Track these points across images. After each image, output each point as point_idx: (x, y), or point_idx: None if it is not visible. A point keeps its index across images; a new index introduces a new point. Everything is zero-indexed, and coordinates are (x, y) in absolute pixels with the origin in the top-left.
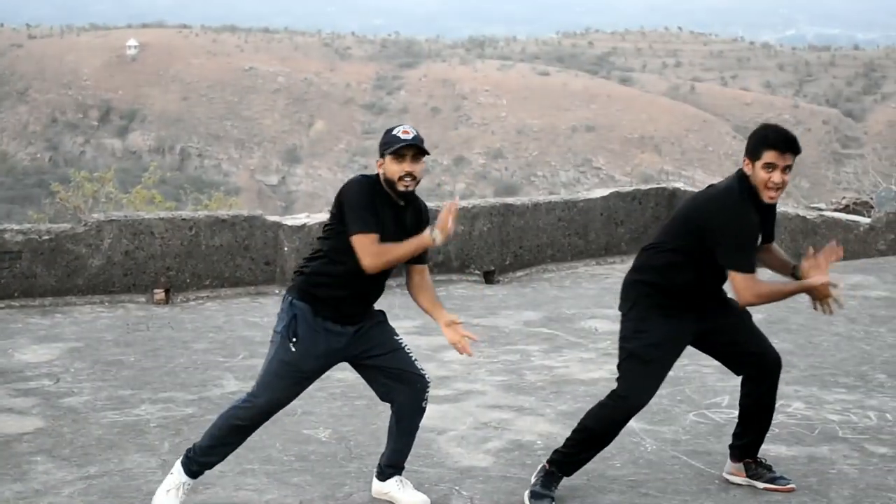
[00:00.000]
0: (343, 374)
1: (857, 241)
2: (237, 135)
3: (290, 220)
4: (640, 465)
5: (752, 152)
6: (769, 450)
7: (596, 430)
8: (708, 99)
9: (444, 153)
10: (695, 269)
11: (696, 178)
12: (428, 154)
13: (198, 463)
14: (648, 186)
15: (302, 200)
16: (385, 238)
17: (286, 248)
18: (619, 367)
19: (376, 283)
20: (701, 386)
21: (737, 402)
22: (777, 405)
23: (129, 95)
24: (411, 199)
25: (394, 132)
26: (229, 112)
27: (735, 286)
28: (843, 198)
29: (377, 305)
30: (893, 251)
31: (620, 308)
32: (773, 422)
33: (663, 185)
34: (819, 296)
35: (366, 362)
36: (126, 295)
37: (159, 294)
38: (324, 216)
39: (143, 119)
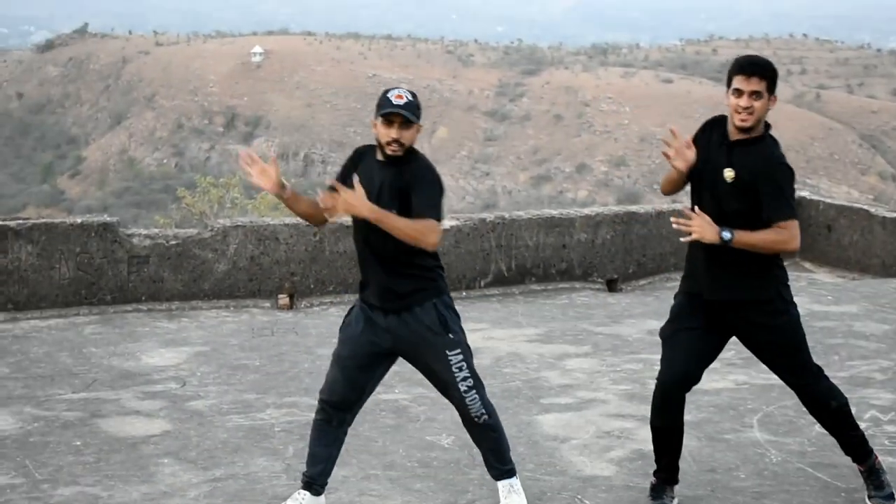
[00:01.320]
0: None
1: None
2: (360, 141)
3: None
4: (764, 476)
5: (727, 82)
6: None
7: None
8: (834, 107)
9: (566, 160)
10: None
11: (821, 187)
12: (416, 123)
13: (307, 476)
14: None
15: None
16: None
17: None
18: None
19: (376, 261)
20: None
21: (864, 415)
22: None
23: (254, 102)
24: (404, 161)
25: (388, 94)
26: (352, 119)
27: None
28: None
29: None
30: None
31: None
32: None
33: None
34: None
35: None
36: (251, 300)
37: (283, 299)
38: (447, 223)
39: (268, 125)
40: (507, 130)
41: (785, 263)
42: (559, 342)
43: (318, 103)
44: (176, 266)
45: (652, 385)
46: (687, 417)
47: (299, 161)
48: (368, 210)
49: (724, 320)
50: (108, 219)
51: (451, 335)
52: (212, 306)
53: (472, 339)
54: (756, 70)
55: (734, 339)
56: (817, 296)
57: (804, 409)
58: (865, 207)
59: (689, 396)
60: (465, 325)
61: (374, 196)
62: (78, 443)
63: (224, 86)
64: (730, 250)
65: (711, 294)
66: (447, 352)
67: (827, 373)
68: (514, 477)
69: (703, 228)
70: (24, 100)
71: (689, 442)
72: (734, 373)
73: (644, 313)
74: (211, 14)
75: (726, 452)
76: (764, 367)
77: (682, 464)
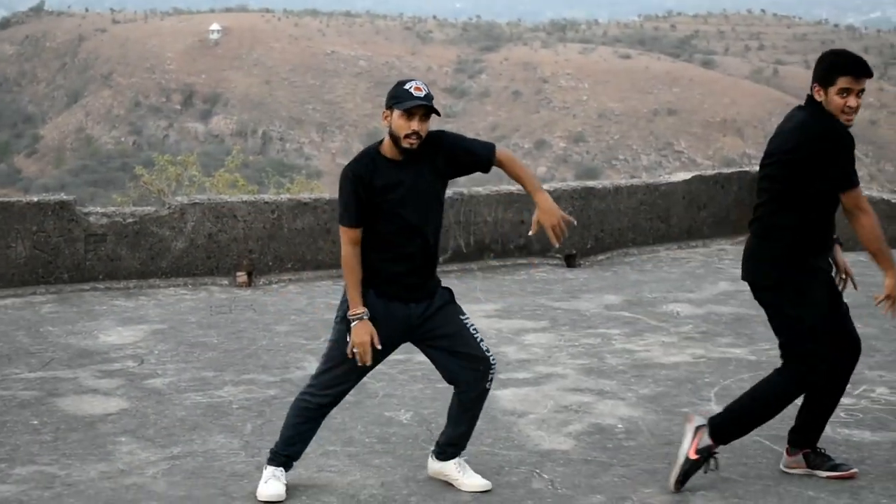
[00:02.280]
0: (424, 357)
1: None
2: (319, 118)
3: None
4: (722, 449)
5: (825, 79)
6: (853, 435)
7: None
8: (791, 82)
9: (525, 137)
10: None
11: None
12: (438, 114)
13: (285, 455)
14: (731, 170)
15: None
16: (406, 201)
17: None
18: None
19: (423, 256)
20: None
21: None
22: (860, 390)
23: (212, 79)
24: (421, 152)
25: (406, 86)
26: (311, 96)
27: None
28: None
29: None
30: None
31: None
32: (856, 406)
33: (746, 168)
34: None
35: (429, 343)
36: (209, 278)
37: (242, 277)
38: None
39: (226, 103)
40: (465, 107)
41: (741, 239)
42: (517, 317)
43: (276, 80)
44: (133, 244)
45: (610, 360)
46: (644, 391)
47: (258, 138)
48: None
49: None
50: (65, 197)
51: (457, 302)
52: (170, 284)
53: None
54: (864, 70)
55: (691, 312)
56: None
57: None
58: None
59: (646, 370)
60: None
61: (423, 196)
62: (35, 422)
63: (181, 63)
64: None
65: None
66: (461, 317)
67: None
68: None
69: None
70: None
71: (647, 416)
72: (692, 346)
73: (602, 288)
74: None
75: (683, 425)
76: (722, 340)
77: (640, 437)
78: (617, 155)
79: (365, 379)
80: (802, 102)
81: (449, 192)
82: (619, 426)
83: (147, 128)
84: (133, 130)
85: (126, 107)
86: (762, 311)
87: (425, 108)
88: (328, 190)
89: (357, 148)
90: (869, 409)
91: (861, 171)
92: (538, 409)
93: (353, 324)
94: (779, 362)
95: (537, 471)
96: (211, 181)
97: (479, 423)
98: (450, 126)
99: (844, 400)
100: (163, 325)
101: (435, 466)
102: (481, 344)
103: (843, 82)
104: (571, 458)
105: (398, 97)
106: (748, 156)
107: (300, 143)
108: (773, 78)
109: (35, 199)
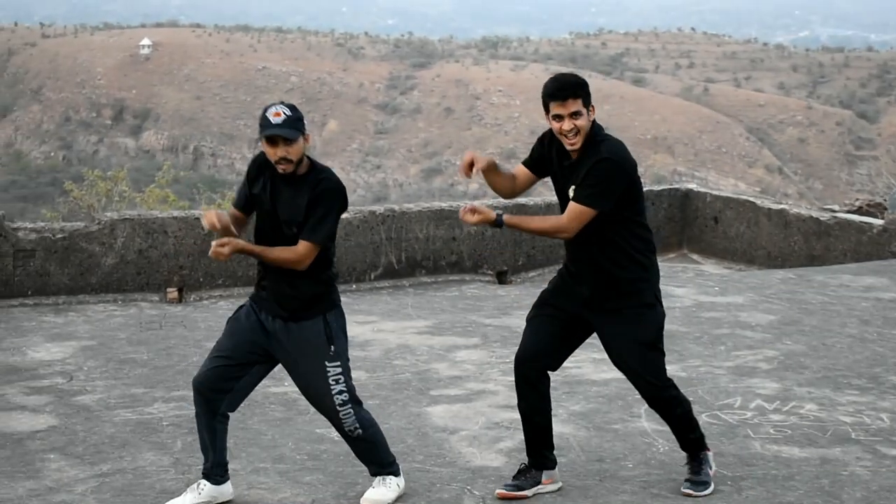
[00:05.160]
0: (356, 374)
1: (870, 242)
2: (251, 134)
3: None
4: (652, 465)
5: (543, 106)
6: (782, 451)
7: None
8: (721, 100)
9: (457, 153)
10: None
11: (709, 179)
12: (301, 135)
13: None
14: (662, 187)
15: None
16: (260, 214)
17: None
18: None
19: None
20: (713, 387)
21: (749, 403)
22: (789, 406)
23: (143, 95)
24: (302, 180)
25: (267, 113)
26: (243, 111)
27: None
28: (857, 199)
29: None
30: None
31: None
32: (785, 423)
33: (676, 185)
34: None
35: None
36: (139, 293)
37: (172, 293)
38: None
39: (157, 118)
40: (397, 123)
41: (671, 256)
42: (449, 334)
43: (208, 96)
44: (63, 259)
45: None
46: (575, 407)
47: (189, 154)
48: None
49: None
50: None
51: (332, 347)
52: (99, 300)
53: (362, 332)
54: (567, 93)
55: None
56: (704, 287)
57: (691, 398)
58: (752, 199)
59: (577, 387)
60: (355, 318)
61: (287, 209)
62: None
63: (112, 78)
64: None
65: None
66: (326, 363)
67: (714, 363)
68: (399, 476)
69: None
70: None
71: (578, 432)
72: None
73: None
74: (98, 6)
75: (614, 442)
76: None
77: (570, 454)
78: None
79: (296, 396)
80: (731, 119)
81: (380, 208)
82: None
83: (77, 143)
84: (63, 145)
85: (56, 121)
86: (692, 328)
87: (282, 138)
88: None
89: None
90: (798, 425)
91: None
92: (470, 426)
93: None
94: (708, 377)
95: (469, 487)
96: (141, 197)
97: (410, 440)
98: (382, 143)
99: (773, 416)
100: (92, 342)
101: None
102: (344, 421)
103: (553, 108)
104: (503, 475)
105: (261, 125)
106: (679, 173)
107: (232, 158)
108: (703, 96)
109: None
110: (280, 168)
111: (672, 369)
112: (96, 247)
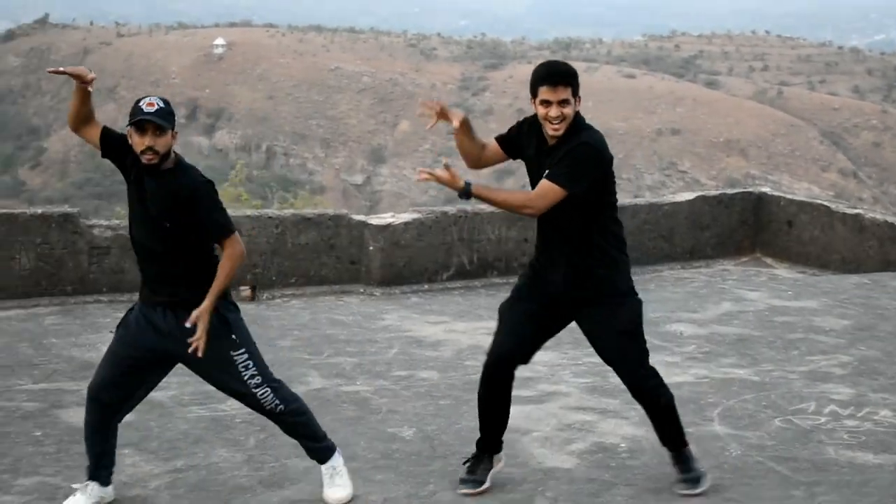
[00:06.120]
0: (428, 374)
1: None
2: (322, 134)
3: (375, 220)
4: (724, 469)
5: (531, 90)
6: (856, 457)
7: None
8: (795, 103)
9: None
10: None
11: (782, 183)
12: (171, 128)
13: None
14: (735, 191)
15: (387, 200)
16: (131, 212)
17: (371, 248)
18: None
19: (149, 256)
20: (787, 392)
21: (823, 409)
22: (863, 412)
23: (216, 94)
24: (168, 175)
25: (139, 103)
26: (315, 111)
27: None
28: None
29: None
30: None
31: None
32: (860, 429)
33: (750, 189)
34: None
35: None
36: None
37: (246, 291)
38: (409, 216)
39: (230, 118)
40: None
41: (744, 259)
42: None
43: (280, 95)
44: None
45: (613, 379)
46: None
47: (261, 153)
48: None
49: None
50: (69, 209)
51: (233, 336)
52: None
53: (434, 332)
54: (560, 79)
55: (694, 332)
56: (777, 291)
57: (764, 403)
58: (826, 203)
59: None
60: (427, 318)
61: (144, 211)
62: (38, 433)
63: (186, 77)
64: None
65: None
66: (231, 353)
67: (787, 367)
68: (336, 454)
69: None
70: None
71: (650, 435)
72: (695, 367)
73: None
74: (172, 5)
75: None
76: (725, 360)
77: (643, 457)
78: (620, 174)
79: (368, 395)
80: (805, 123)
81: (453, 208)
82: (623, 445)
83: None
84: None
85: None
86: (766, 332)
87: (155, 124)
88: (332, 205)
89: (360, 163)
90: (873, 431)
91: (864, 194)
92: (542, 427)
93: None
94: (781, 381)
95: (540, 489)
96: None
97: None
98: (454, 144)
99: (847, 422)
100: None
101: None
102: (263, 401)
103: (542, 93)
104: (575, 477)
105: (132, 113)
106: (752, 176)
107: (304, 158)
108: (776, 99)
109: (39, 211)
110: (145, 158)
111: (745, 373)
112: None
